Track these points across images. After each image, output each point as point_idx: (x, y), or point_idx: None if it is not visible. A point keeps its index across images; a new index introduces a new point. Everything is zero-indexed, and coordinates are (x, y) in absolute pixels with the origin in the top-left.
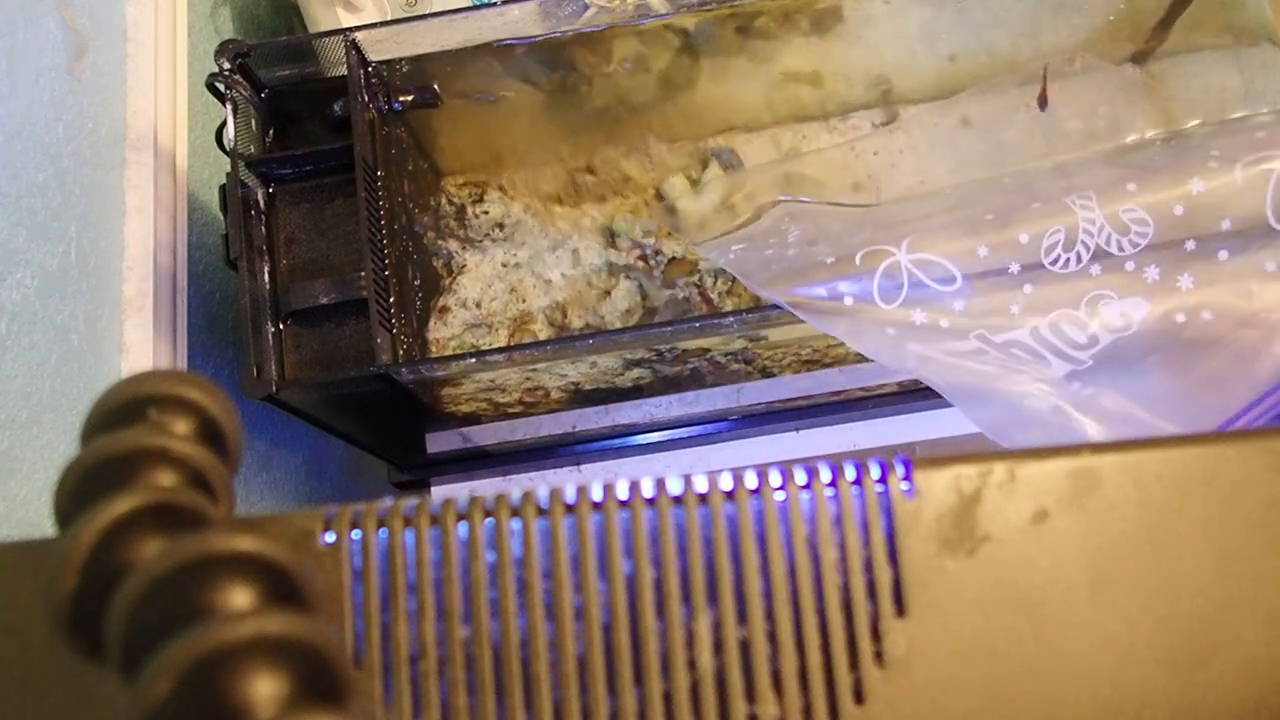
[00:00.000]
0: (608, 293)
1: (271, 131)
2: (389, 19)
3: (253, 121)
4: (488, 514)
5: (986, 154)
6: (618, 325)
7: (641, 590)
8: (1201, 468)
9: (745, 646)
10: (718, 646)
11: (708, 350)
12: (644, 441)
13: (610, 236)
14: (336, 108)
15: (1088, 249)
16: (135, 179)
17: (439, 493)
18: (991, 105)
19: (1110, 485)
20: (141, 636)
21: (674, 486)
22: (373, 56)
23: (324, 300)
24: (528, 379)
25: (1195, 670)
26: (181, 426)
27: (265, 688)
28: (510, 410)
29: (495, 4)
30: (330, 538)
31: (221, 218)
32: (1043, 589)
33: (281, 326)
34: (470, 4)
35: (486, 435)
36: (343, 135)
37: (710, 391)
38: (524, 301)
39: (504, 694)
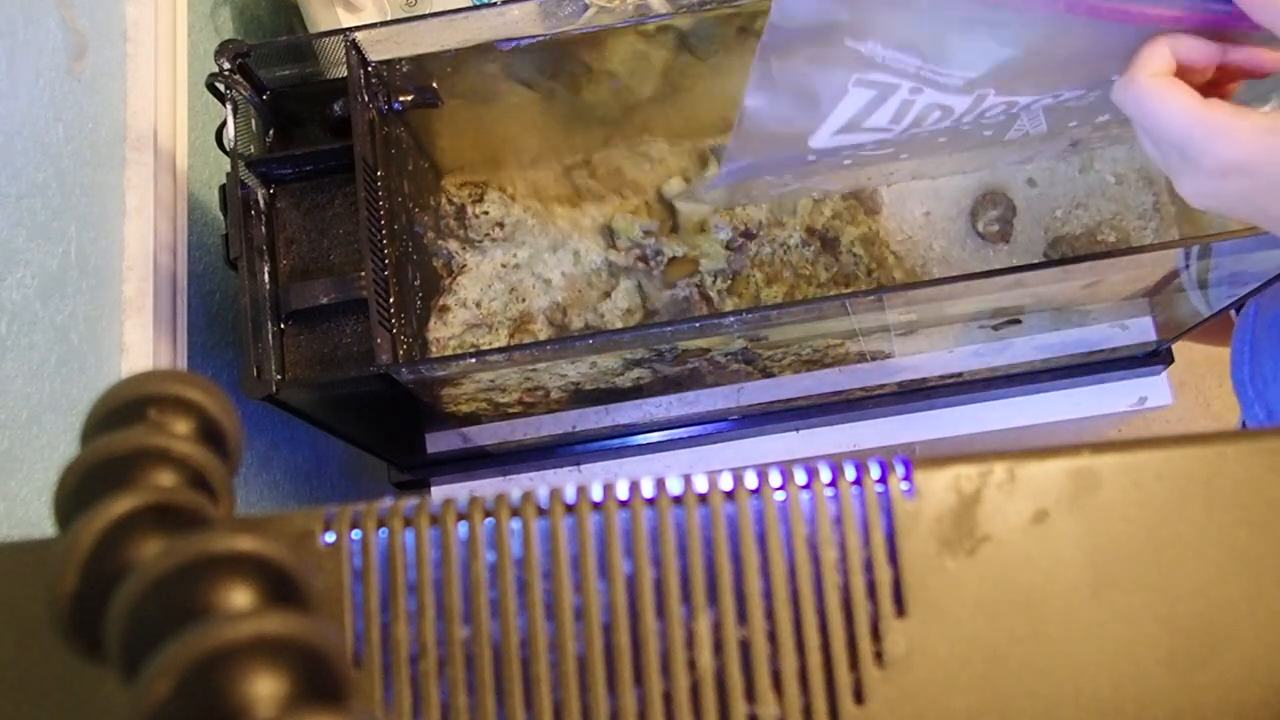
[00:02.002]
0: (608, 293)
1: (272, 132)
2: (389, 19)
3: (253, 122)
4: (488, 514)
5: (986, 152)
6: (618, 325)
7: (641, 590)
8: (1201, 468)
9: (745, 646)
10: (718, 646)
11: (708, 350)
12: (644, 441)
13: (610, 236)
14: (336, 108)
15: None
16: (135, 179)
17: (439, 493)
18: None
19: (1110, 485)
20: (142, 636)
21: (674, 486)
22: (373, 56)
23: (324, 300)
24: (528, 379)
25: (1195, 670)
26: (181, 426)
27: (265, 687)
28: (510, 410)
29: (495, 4)
30: (330, 538)
31: (221, 218)
32: (1043, 589)
33: (281, 326)
34: (470, 4)
35: (486, 435)
36: (343, 135)
37: (710, 391)
38: (524, 301)
39: (504, 694)
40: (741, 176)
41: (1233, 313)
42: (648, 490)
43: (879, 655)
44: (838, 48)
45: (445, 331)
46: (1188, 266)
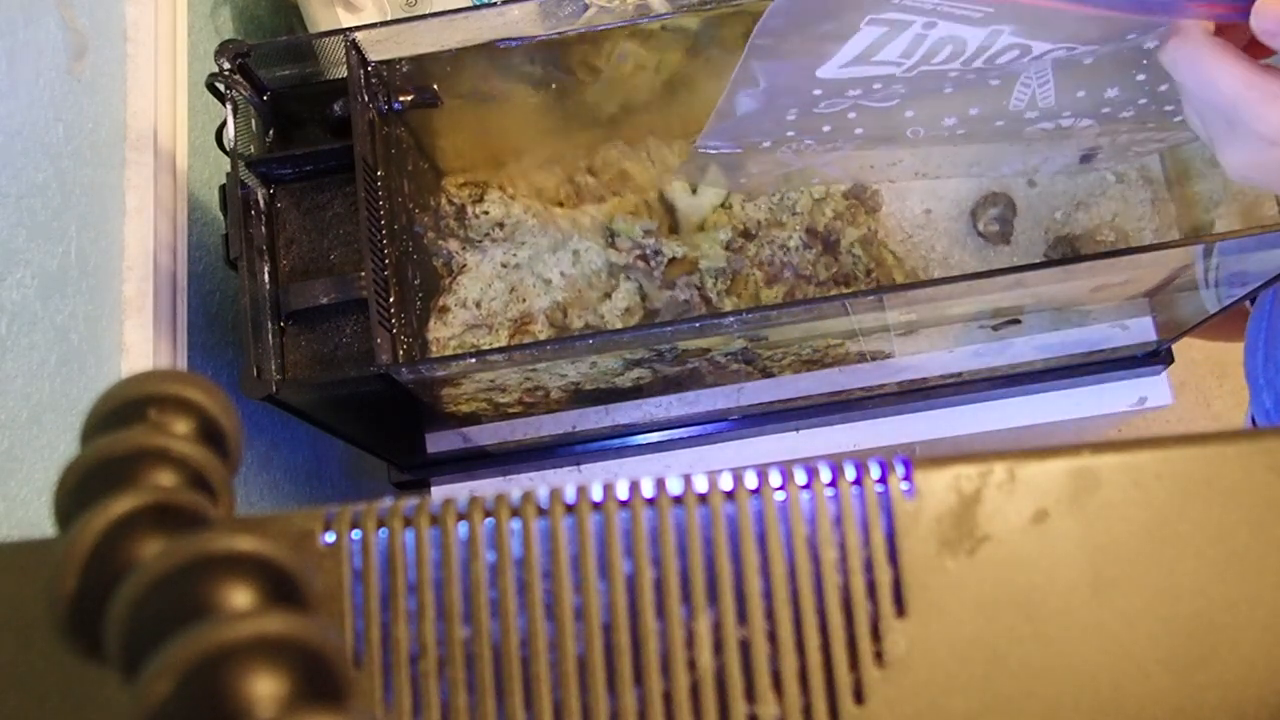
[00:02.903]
0: (608, 293)
1: (272, 132)
2: (389, 19)
3: (253, 122)
4: (488, 514)
5: (987, 152)
6: (618, 325)
7: (641, 590)
8: (1201, 468)
9: (745, 646)
10: (718, 646)
11: (708, 350)
12: (644, 441)
13: (610, 236)
14: (336, 108)
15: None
16: (135, 179)
17: (439, 493)
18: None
19: (1110, 485)
20: (142, 636)
21: (674, 486)
22: (373, 56)
23: (324, 300)
24: (528, 379)
25: (1195, 670)
26: (181, 426)
27: (265, 687)
28: (510, 410)
29: (495, 4)
30: (330, 538)
31: (221, 218)
32: (1043, 589)
33: (281, 326)
34: (470, 4)
35: (486, 435)
36: (343, 135)
37: (710, 391)
38: (524, 302)
39: (504, 694)
40: (737, 132)
41: (1247, 303)
42: (648, 490)
43: (879, 655)
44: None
45: (445, 331)
46: (1206, 259)
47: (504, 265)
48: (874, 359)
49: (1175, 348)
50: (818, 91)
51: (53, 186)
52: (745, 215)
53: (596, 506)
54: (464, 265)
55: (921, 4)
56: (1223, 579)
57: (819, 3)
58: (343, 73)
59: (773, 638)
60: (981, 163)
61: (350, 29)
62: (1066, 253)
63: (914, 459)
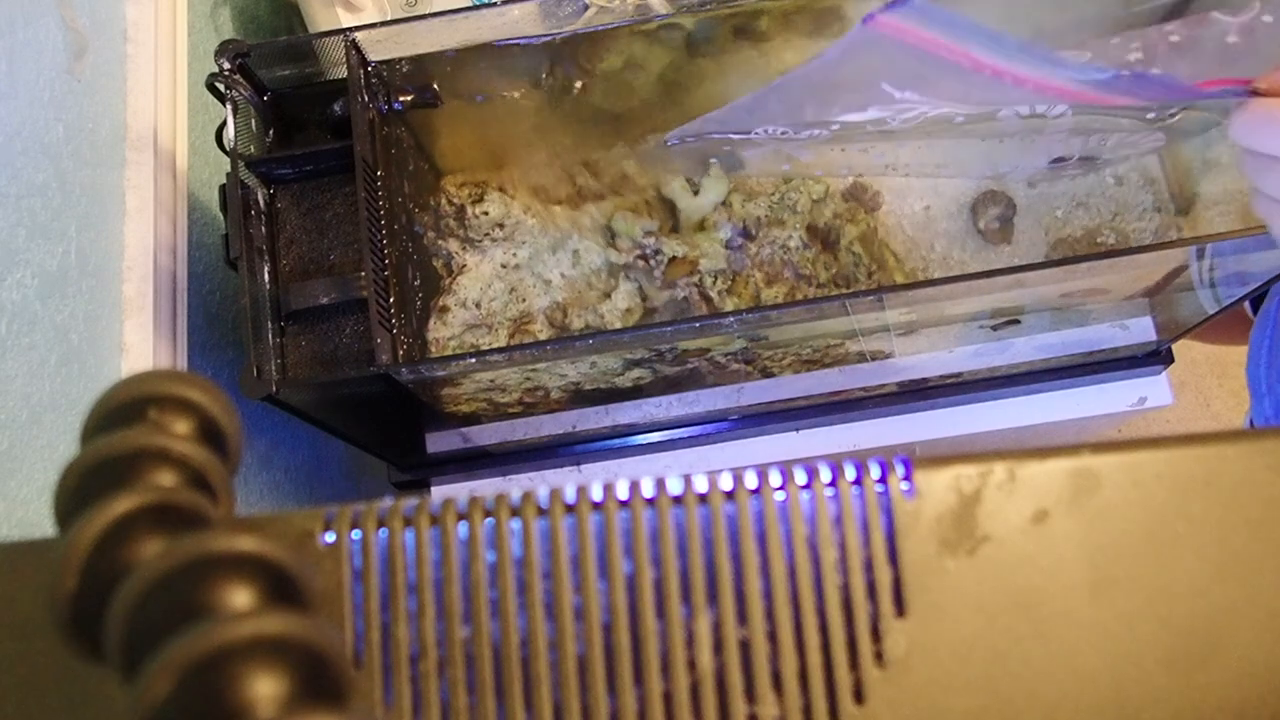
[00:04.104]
0: (608, 293)
1: (272, 132)
2: (389, 19)
3: (253, 121)
4: (488, 514)
5: (982, 152)
6: (618, 325)
7: (641, 590)
8: (1201, 468)
9: (745, 646)
10: (718, 646)
11: (708, 350)
12: (644, 441)
13: (610, 236)
14: (336, 108)
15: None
16: (135, 179)
17: (439, 493)
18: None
19: (1110, 485)
20: (142, 636)
21: (674, 486)
22: (373, 56)
23: (324, 300)
24: (528, 379)
25: (1195, 670)
26: (181, 426)
27: (265, 687)
28: (510, 410)
29: (495, 4)
30: (330, 538)
31: (221, 218)
32: (1043, 589)
33: (281, 326)
34: (470, 4)
35: (486, 435)
36: (343, 135)
37: (710, 391)
38: (524, 302)
39: (504, 694)
40: (705, 129)
41: (1246, 306)
42: (648, 490)
43: (879, 655)
44: (873, 89)
45: (445, 331)
46: (1200, 259)
47: (504, 265)
48: (874, 359)
49: (1175, 348)
50: (810, 128)
51: (53, 186)
52: (745, 215)
53: (596, 506)
54: (464, 265)
55: (924, 98)
56: (1223, 579)
57: (828, 88)
58: (343, 73)
59: (773, 638)
60: (950, 164)
61: (350, 29)
62: (1066, 253)
63: (914, 459)
